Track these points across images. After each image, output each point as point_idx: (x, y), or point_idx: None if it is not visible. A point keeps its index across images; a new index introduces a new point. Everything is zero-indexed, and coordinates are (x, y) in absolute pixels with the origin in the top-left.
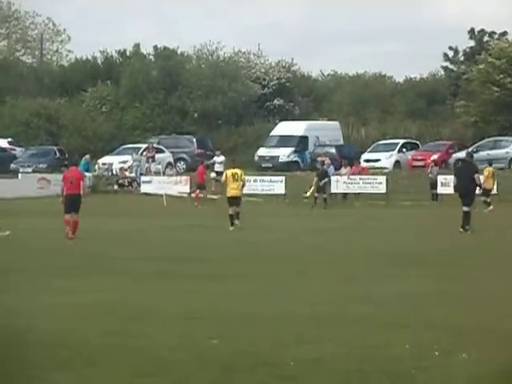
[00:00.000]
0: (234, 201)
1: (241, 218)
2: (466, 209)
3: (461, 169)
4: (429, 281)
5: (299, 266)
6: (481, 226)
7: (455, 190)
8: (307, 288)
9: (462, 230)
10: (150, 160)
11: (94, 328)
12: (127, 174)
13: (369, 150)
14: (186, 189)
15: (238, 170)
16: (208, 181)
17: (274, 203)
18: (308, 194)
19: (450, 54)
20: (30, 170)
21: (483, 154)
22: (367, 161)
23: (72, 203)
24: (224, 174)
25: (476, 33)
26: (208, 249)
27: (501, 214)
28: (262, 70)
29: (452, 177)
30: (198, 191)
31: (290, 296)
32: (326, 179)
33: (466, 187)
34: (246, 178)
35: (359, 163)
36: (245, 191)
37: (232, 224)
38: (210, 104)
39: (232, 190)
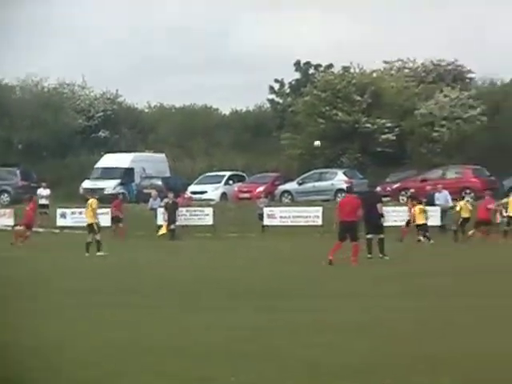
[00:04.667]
0: (89, 228)
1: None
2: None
3: (367, 199)
4: (256, 312)
5: (134, 297)
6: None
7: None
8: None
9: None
10: None
11: None
12: None
13: (195, 181)
14: (10, 222)
15: (90, 200)
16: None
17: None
18: (162, 231)
19: (276, 86)
20: None
21: (309, 185)
22: (194, 193)
23: None
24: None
25: (301, 65)
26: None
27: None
28: (87, 102)
29: (278, 208)
30: None
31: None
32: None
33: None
34: (71, 210)
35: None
36: (70, 224)
37: (87, 251)
38: (34, 135)
39: (87, 218)
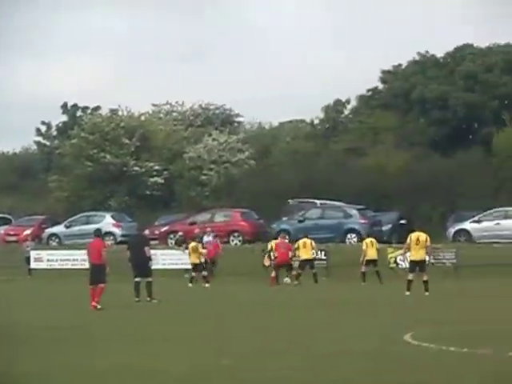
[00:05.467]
0: None
1: None
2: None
3: (134, 242)
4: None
5: None
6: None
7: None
8: None
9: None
10: None
11: None
12: None
13: None
14: None
15: None
16: None
17: None
18: None
19: (43, 128)
20: None
21: (76, 228)
22: None
23: None
24: None
25: (69, 107)
26: None
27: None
28: None
29: (45, 252)
30: None
31: None
32: None
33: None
34: None
35: None
36: None
37: None
38: None
39: None
